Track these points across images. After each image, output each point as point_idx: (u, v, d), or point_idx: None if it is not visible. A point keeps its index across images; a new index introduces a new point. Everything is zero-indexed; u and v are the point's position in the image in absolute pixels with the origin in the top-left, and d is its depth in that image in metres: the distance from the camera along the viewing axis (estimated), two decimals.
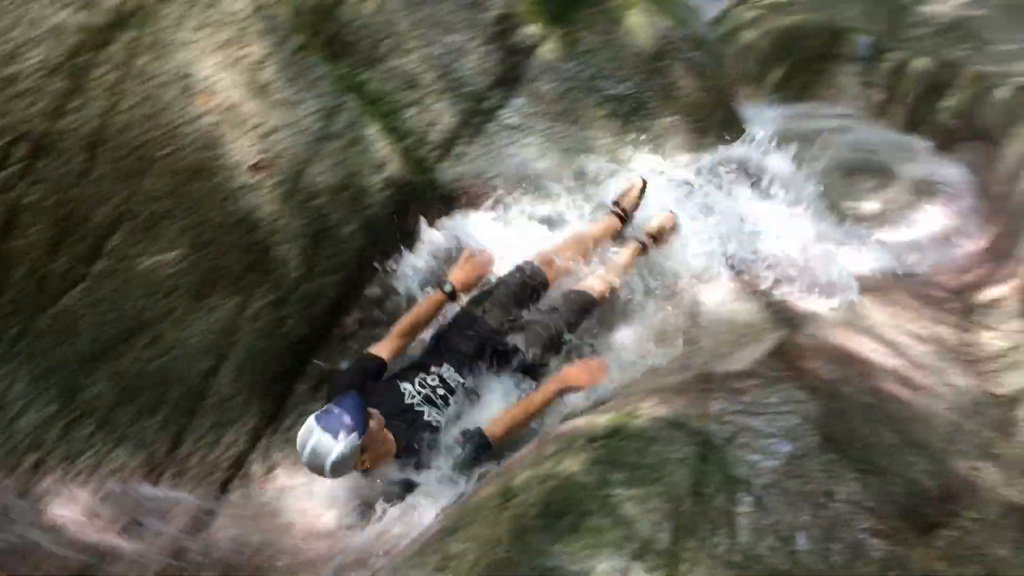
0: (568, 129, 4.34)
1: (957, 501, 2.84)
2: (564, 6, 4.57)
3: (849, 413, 3.01)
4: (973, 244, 4.86)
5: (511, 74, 4.28)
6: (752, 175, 4.92)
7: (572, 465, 2.48)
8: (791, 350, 3.40)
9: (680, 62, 4.94)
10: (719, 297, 3.75)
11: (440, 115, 3.94)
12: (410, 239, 3.68)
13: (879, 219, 5.55)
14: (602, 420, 2.76)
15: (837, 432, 2.88)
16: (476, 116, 4.08)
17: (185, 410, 3.16)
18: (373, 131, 3.59)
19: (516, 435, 3.12)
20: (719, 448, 2.71)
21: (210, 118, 3.25)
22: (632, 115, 4.60)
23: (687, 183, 4.53)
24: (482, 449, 3.04)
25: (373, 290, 3.61)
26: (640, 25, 4.82)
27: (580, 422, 2.83)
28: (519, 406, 3.20)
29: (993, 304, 4.26)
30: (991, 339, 3.95)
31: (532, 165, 4.15)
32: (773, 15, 8.22)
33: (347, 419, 2.79)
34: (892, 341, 3.81)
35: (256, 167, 3.24)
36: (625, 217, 3.96)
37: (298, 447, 2.85)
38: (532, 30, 4.40)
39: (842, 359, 3.47)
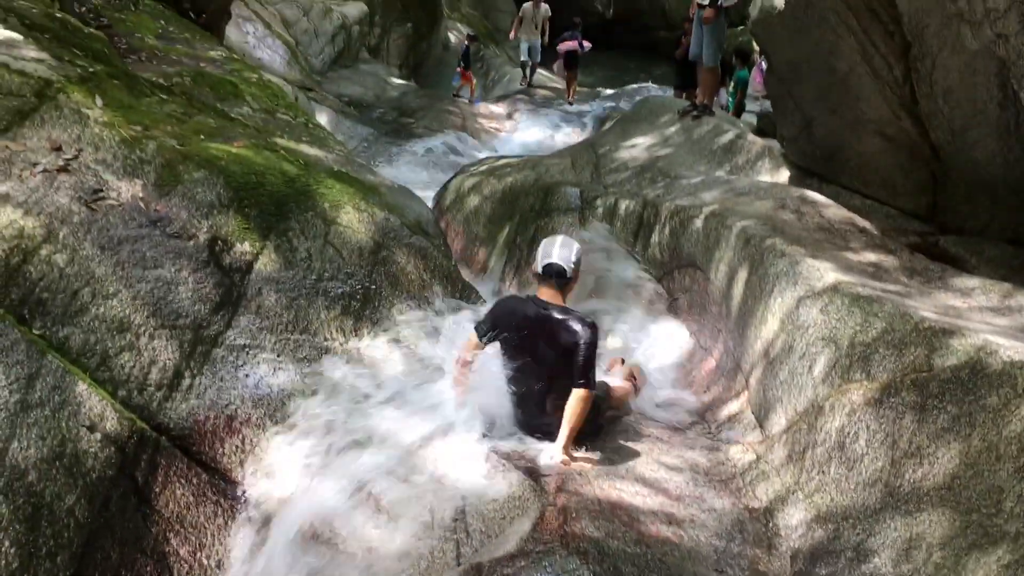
0: (300, 338, 4.27)
1: None
2: (274, 218, 4.58)
3: (621, 569, 3.02)
4: (706, 365, 5.17)
5: (231, 295, 4.19)
6: None
7: None
8: (556, 516, 3.39)
9: (402, 248, 5.06)
10: (478, 475, 3.71)
11: (159, 353, 3.75)
12: (147, 491, 3.41)
13: (621, 354, 5.81)
14: None
15: None
16: (200, 345, 3.92)
17: None
18: (82, 388, 3.35)
19: None
20: None
21: None
22: (363, 309, 4.62)
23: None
24: None
25: (112, 554, 3.28)
26: (355, 221, 4.91)
27: None
28: None
29: (733, 419, 4.51)
30: (738, 454, 4.16)
31: (268, 382, 4.01)
32: (491, 180, 8.70)
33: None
34: (650, 479, 3.92)
35: None
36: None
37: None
38: (245, 247, 4.36)
39: (606, 511, 3.51)
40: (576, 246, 4.20)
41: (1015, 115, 4.15)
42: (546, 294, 4.05)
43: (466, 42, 16.77)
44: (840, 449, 3.54)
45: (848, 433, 3.53)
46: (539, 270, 4.10)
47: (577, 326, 3.85)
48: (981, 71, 4.22)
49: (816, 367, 3.93)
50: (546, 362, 3.89)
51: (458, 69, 16.46)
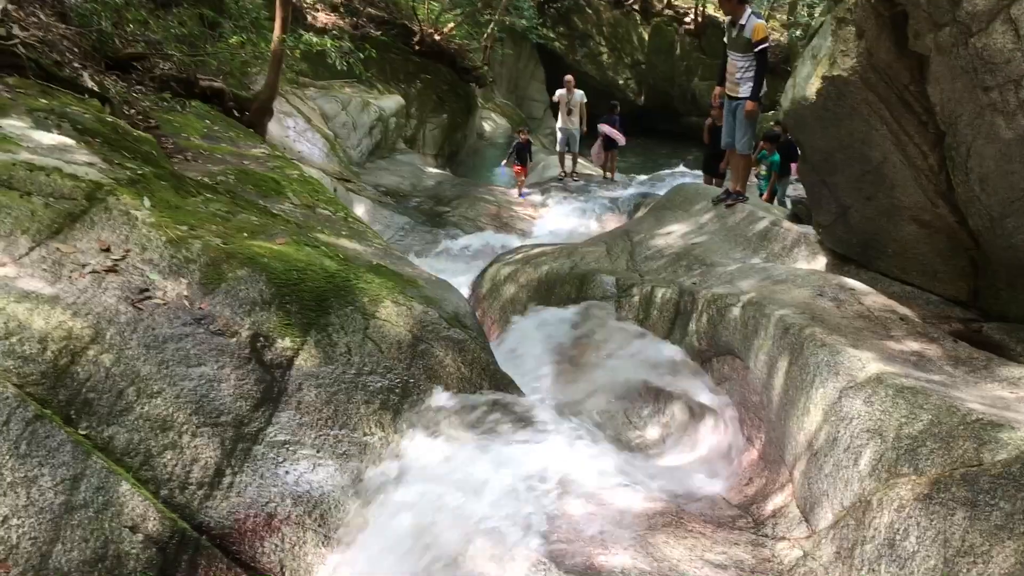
0: (339, 433, 4.28)
1: None
2: (315, 313, 4.65)
3: None
4: (748, 455, 5.09)
5: (272, 391, 4.23)
6: (534, 428, 5.01)
7: None
8: None
9: (440, 341, 5.09)
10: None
11: (200, 451, 3.78)
12: None
13: (661, 444, 5.75)
14: None
15: None
16: (241, 442, 3.95)
17: None
18: (125, 488, 3.38)
19: None
20: None
21: None
22: (402, 403, 4.63)
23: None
24: None
25: None
26: (394, 315, 4.96)
27: None
28: None
29: (778, 513, 4.42)
30: (784, 549, 4.06)
31: (308, 479, 4.01)
32: (526, 268, 8.77)
33: None
34: None
35: None
36: None
37: None
38: (286, 343, 4.41)
39: None
40: None
41: None
42: None
43: (520, 138, 16.48)
44: (890, 547, 3.44)
45: (898, 530, 3.44)
46: None
47: None
48: (1017, 158, 4.22)
49: (862, 460, 3.85)
50: None
51: (514, 166, 16.23)
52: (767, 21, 27.12)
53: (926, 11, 4.21)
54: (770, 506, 4.52)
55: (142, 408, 3.73)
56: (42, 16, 7.33)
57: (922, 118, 4.80)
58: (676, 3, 31.86)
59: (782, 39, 28.13)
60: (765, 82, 7.89)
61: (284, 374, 4.34)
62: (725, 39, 8.10)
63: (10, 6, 6.84)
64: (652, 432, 5.91)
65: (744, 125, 8.01)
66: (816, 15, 24.47)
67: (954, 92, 4.43)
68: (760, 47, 7.69)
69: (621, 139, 16.17)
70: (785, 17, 30.56)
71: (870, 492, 3.70)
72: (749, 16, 7.74)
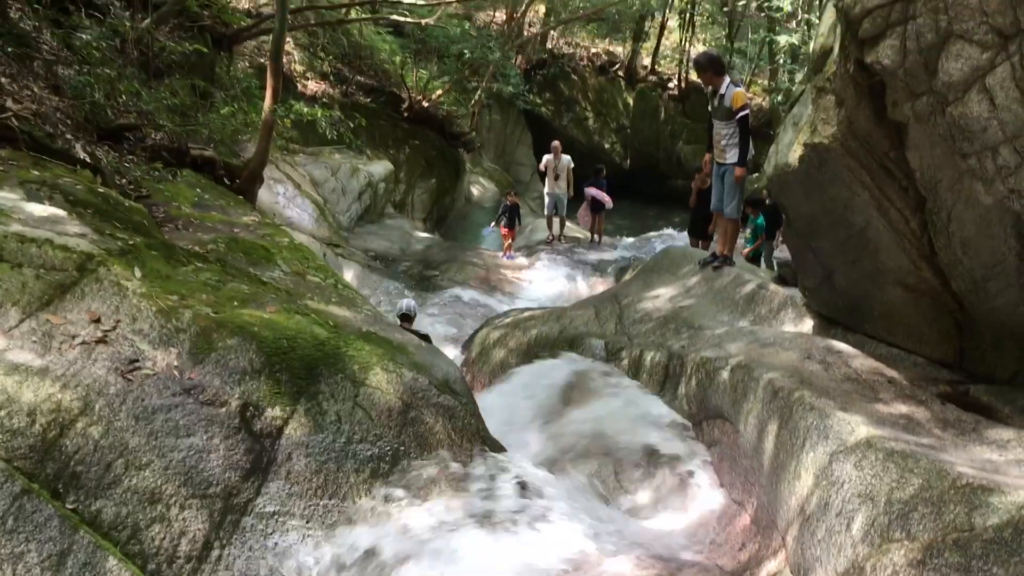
0: (329, 503, 4.25)
1: None
2: (304, 381, 4.64)
3: None
4: (740, 520, 5.07)
5: (261, 461, 4.21)
6: (525, 494, 4.97)
7: None
8: None
9: (430, 408, 5.08)
10: None
11: (188, 524, 3.74)
12: None
13: (652, 508, 5.72)
14: None
15: None
16: (229, 513, 3.92)
17: None
18: (112, 563, 3.34)
19: None
20: None
21: None
22: (392, 471, 4.60)
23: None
24: None
25: None
26: (384, 382, 4.96)
27: None
28: None
29: None
30: None
31: (297, 550, 3.97)
32: (515, 333, 8.80)
33: None
34: None
35: None
36: None
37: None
38: (276, 412, 4.41)
39: None
40: None
41: None
42: None
43: (509, 201, 16.62)
44: None
45: None
46: None
47: None
48: (997, 223, 4.30)
49: (854, 525, 3.84)
50: None
51: (502, 228, 16.35)
52: (748, 87, 27.61)
53: (903, 81, 4.31)
54: (764, 573, 4.48)
55: (130, 480, 3.71)
56: (36, 89, 7.43)
57: (903, 184, 4.89)
58: (660, 69, 32.47)
59: (764, 104, 28.64)
60: (752, 144, 8.06)
61: (274, 443, 4.32)
62: (709, 108, 8.29)
63: (3, 80, 6.94)
64: (643, 496, 5.87)
65: (733, 190, 8.15)
66: (797, 81, 24.94)
67: (933, 159, 4.52)
68: (740, 115, 7.86)
69: (609, 202, 16.32)
70: (767, 82, 31.15)
71: (863, 558, 3.68)
72: (728, 85, 7.94)
